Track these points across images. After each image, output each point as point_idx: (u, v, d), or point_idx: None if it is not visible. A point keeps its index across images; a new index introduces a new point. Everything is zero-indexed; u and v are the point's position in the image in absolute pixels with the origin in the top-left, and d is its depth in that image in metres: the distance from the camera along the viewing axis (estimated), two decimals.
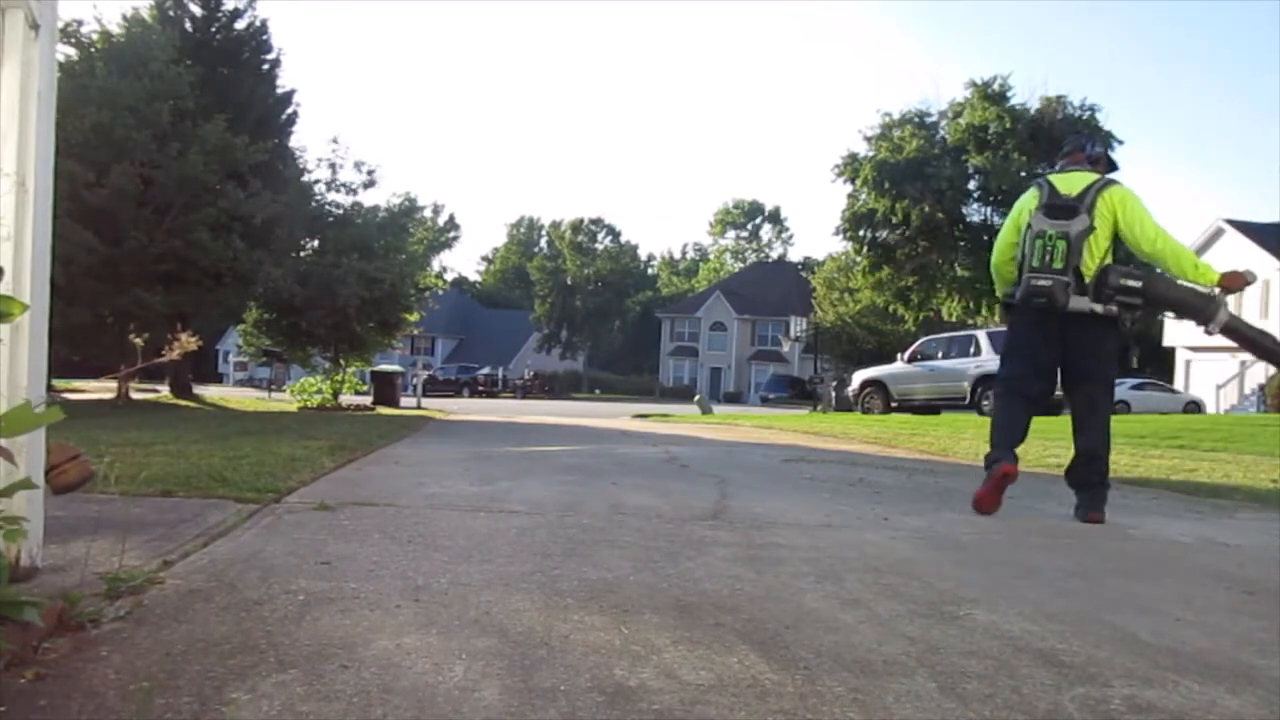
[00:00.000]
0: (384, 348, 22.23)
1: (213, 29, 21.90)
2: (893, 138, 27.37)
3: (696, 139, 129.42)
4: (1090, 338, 4.26)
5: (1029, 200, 4.33)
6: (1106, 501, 4.36)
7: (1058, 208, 4.12)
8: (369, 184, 20.89)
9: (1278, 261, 33.71)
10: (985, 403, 17.74)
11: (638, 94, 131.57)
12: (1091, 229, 4.05)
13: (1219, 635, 2.48)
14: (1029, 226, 4.21)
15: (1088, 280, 4.07)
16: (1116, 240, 4.17)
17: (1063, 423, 15.12)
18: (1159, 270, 4.29)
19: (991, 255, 4.71)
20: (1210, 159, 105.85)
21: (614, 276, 70.98)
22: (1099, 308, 4.08)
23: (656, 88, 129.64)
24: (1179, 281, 4.12)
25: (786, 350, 54.40)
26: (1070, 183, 4.20)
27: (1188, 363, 38.29)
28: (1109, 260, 4.14)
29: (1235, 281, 4.08)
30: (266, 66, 22.58)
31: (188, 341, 2.62)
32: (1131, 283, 4.05)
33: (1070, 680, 2.03)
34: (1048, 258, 4.06)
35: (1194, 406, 31.63)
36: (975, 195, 26.96)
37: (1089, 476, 4.37)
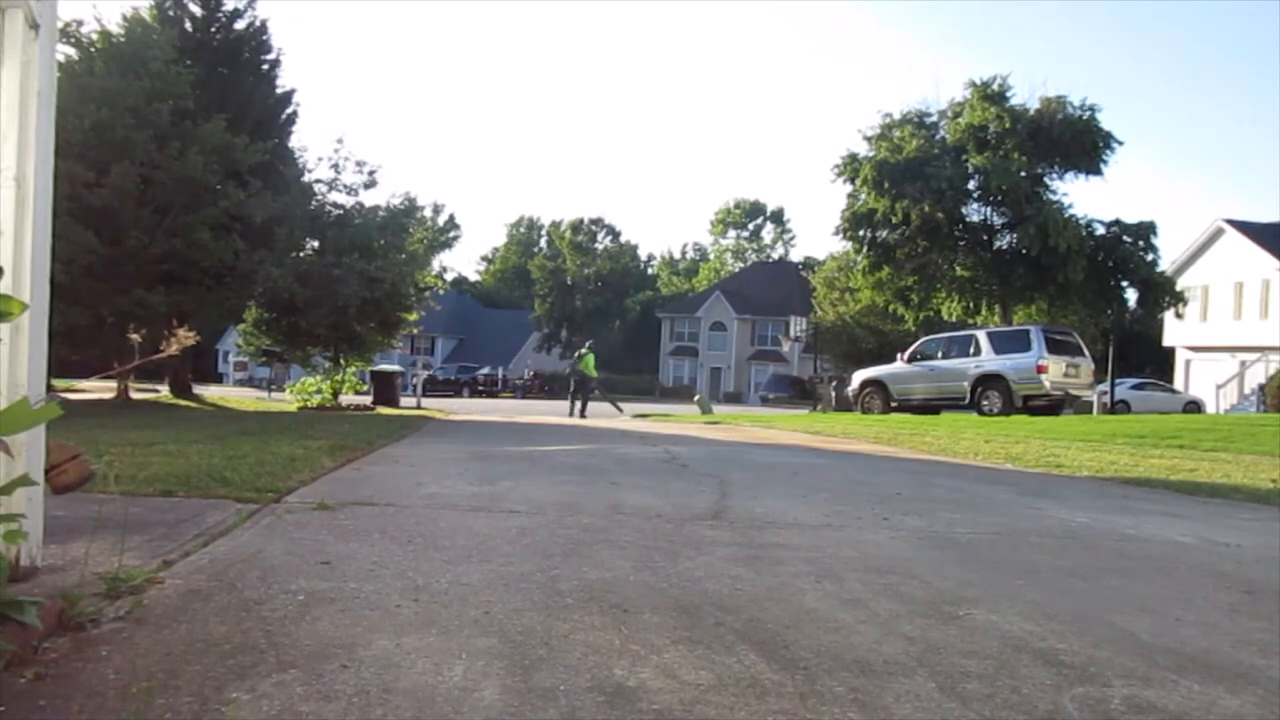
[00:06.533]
0: (384, 347, 22.21)
1: (213, 29, 21.89)
2: (893, 138, 27.27)
3: (696, 139, 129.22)
4: (582, 381, 21.41)
5: (587, 353, 22.29)
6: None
7: (576, 359, 22.97)
8: (369, 184, 20.87)
9: (1278, 261, 33.74)
10: (985, 403, 17.73)
11: (638, 94, 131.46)
12: (583, 360, 21.84)
13: (1219, 635, 2.48)
14: (579, 359, 22.28)
15: (580, 370, 21.99)
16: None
17: (1062, 422, 15.05)
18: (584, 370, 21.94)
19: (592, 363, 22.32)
20: (1210, 159, 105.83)
21: (614, 276, 70.94)
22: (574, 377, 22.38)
23: (656, 87, 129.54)
24: (587, 374, 21.73)
25: (786, 350, 54.43)
26: (589, 349, 22.64)
27: (1188, 362, 38.31)
28: (584, 370, 21.78)
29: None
30: (266, 66, 22.58)
31: (185, 337, 2.61)
32: (580, 371, 21.79)
33: (1070, 680, 2.03)
34: (579, 365, 21.90)
35: (1194, 406, 31.64)
36: (975, 195, 26.86)
37: (583, 409, 20.42)
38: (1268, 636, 2.49)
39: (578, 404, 20.77)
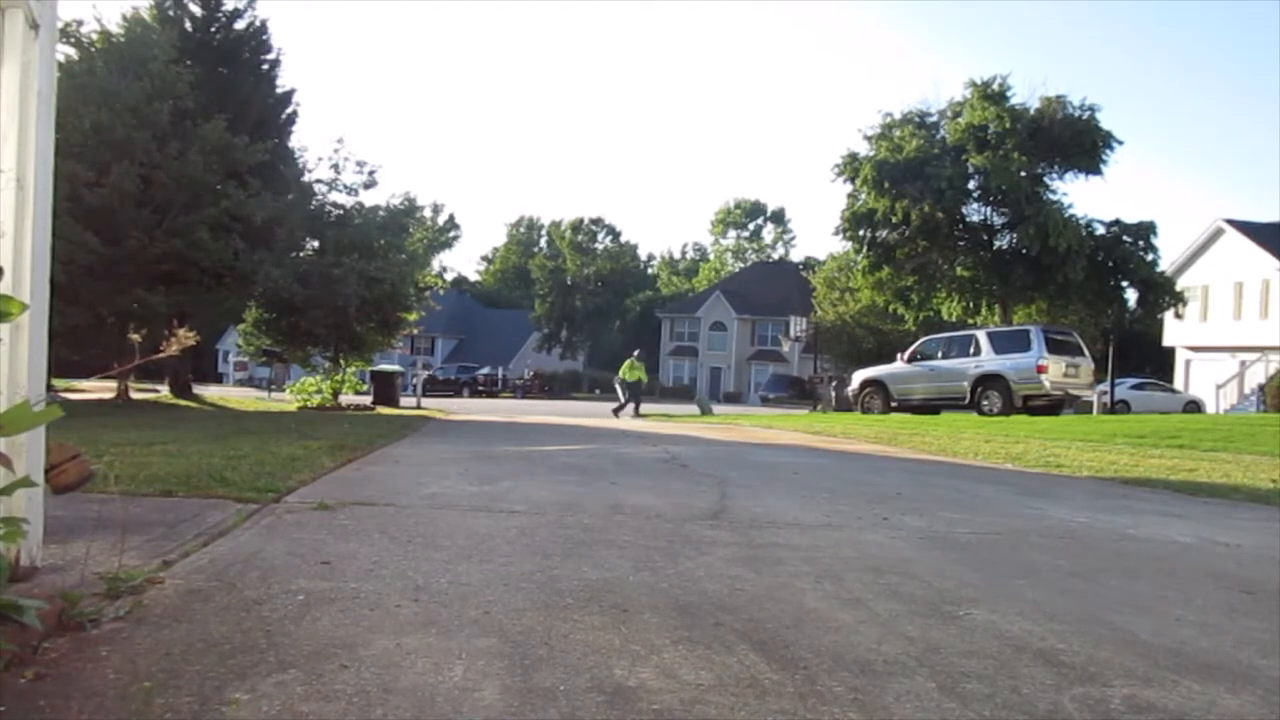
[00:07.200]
0: (384, 347, 22.23)
1: (213, 29, 21.90)
2: (893, 137, 27.26)
3: (696, 139, 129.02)
4: (628, 387, 21.59)
5: (634, 362, 21.98)
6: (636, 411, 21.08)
7: (622, 372, 21.91)
8: (369, 184, 20.90)
9: (1278, 261, 33.73)
10: (985, 403, 17.73)
11: (638, 94, 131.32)
12: (633, 370, 21.77)
13: (1219, 635, 2.48)
14: (631, 368, 21.70)
15: (621, 378, 22.38)
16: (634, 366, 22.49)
17: (1062, 422, 15.01)
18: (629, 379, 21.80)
19: (632, 368, 21.70)
20: (1210, 159, 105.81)
21: (614, 276, 70.89)
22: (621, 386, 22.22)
23: (657, 87, 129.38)
24: (631, 380, 21.51)
25: (786, 350, 54.42)
26: (636, 358, 22.39)
27: (1188, 362, 38.29)
28: (623, 376, 22.12)
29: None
30: (266, 66, 22.59)
31: (185, 337, 2.61)
32: (622, 378, 21.86)
33: (1070, 680, 2.03)
34: (624, 375, 21.68)
35: (1194, 406, 31.61)
36: (975, 195, 26.85)
37: (635, 409, 20.86)
38: (1268, 636, 2.49)
39: (630, 405, 21.10)
